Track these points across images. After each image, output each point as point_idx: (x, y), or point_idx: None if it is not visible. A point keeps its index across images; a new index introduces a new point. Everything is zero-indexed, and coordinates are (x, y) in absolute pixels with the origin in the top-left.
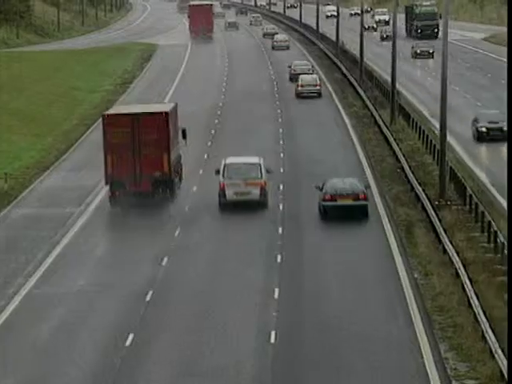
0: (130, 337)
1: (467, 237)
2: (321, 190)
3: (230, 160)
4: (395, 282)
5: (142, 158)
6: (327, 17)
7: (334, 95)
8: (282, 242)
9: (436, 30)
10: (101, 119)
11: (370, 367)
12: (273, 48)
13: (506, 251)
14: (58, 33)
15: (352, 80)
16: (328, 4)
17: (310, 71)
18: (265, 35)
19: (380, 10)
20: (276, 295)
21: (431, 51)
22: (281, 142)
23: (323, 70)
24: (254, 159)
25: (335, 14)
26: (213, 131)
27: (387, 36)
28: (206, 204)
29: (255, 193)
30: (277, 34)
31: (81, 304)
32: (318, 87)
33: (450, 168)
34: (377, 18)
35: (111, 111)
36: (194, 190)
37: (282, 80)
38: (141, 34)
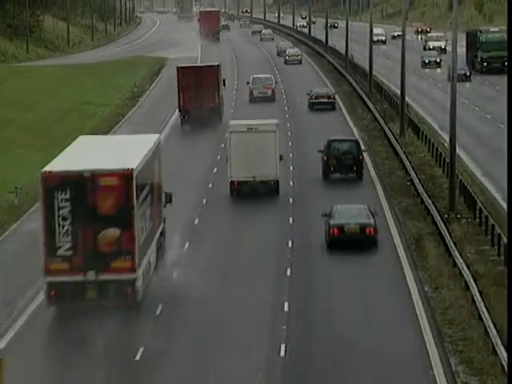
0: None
1: (477, 250)
2: (308, 94)
3: (255, 75)
4: (405, 293)
5: (202, 95)
6: (373, 42)
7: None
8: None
9: (506, 63)
10: (175, 70)
11: (379, 380)
12: (261, 39)
13: None
14: (67, 47)
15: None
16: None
17: (293, 47)
18: (253, 33)
19: (435, 34)
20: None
21: None
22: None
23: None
24: (268, 74)
25: (383, 38)
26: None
27: (459, 75)
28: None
29: (269, 92)
30: (262, 30)
31: (90, 317)
32: (299, 57)
33: (460, 181)
34: (431, 44)
35: (182, 65)
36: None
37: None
38: (150, 48)
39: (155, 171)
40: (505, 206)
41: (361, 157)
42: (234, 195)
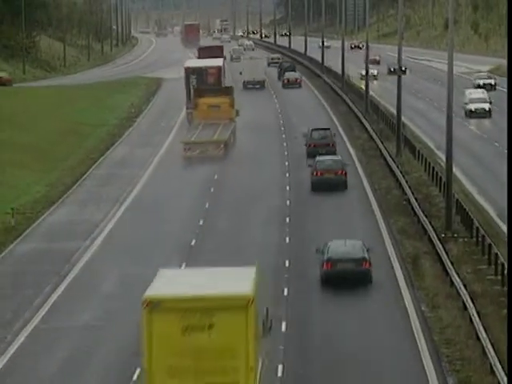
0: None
1: (474, 269)
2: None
3: (234, 47)
4: (402, 313)
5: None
6: (471, 113)
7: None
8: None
9: None
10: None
11: None
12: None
13: None
14: (64, 68)
15: None
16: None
17: (250, 41)
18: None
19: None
20: None
21: None
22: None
23: None
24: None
25: (487, 107)
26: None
27: None
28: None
29: (241, 58)
30: (230, 41)
31: (87, 338)
32: (252, 46)
33: (457, 200)
34: None
35: (201, 45)
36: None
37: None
38: (147, 68)
39: (226, 70)
40: (501, 224)
41: (298, 74)
42: (245, 87)
